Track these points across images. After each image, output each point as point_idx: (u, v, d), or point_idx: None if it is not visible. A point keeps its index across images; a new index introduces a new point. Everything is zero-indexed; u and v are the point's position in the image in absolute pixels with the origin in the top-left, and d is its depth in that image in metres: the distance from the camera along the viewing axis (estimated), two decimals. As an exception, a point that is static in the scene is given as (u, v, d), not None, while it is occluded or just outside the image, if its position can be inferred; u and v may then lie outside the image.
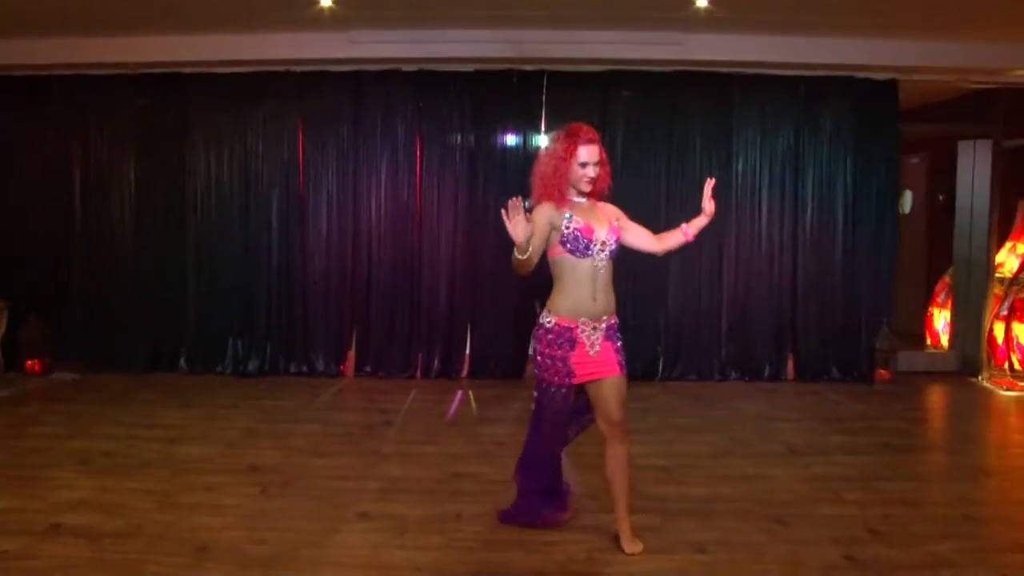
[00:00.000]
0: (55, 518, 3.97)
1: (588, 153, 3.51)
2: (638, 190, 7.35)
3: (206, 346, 7.60)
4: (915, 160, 9.91)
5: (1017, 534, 3.98)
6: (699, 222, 3.79)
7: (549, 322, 3.61)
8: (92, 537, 3.75)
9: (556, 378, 3.58)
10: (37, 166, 7.61)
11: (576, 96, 7.39)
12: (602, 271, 3.55)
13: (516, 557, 3.59)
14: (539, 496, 3.89)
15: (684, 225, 3.80)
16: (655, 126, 7.41)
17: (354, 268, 7.51)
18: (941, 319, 8.52)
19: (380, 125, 7.40)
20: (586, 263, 3.53)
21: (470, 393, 6.93)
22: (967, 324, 8.08)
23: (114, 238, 7.60)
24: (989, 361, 7.62)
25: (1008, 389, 7.20)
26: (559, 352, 3.56)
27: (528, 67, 7.34)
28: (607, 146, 7.20)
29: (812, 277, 7.52)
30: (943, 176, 9.13)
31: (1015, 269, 7.59)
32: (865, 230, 7.50)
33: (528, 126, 7.43)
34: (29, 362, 7.36)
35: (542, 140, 7.42)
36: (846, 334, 7.54)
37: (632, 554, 3.60)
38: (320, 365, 7.56)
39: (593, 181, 3.54)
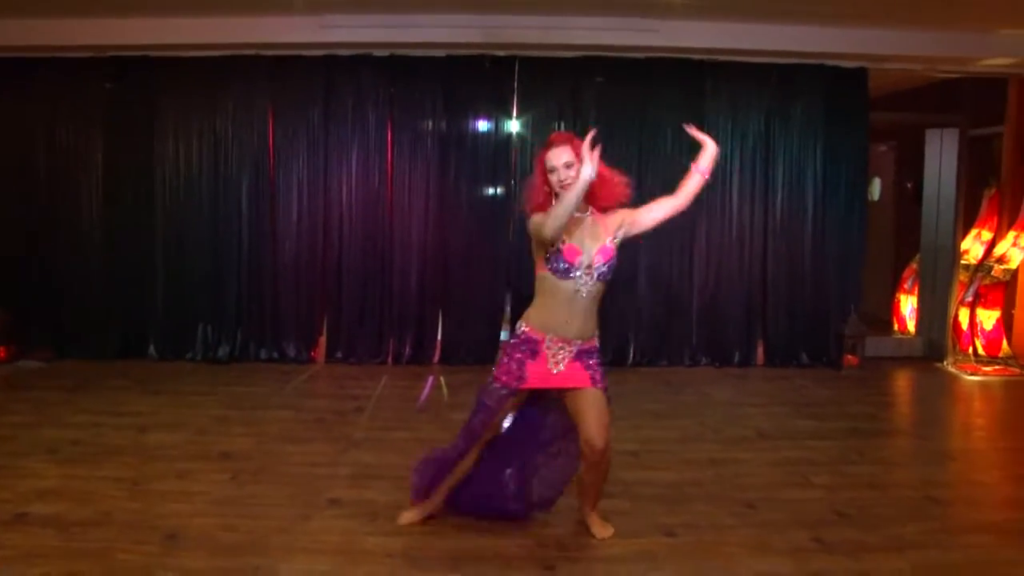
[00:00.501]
0: (22, 507, 3.92)
1: (554, 156, 3.40)
2: (610, 177, 7.38)
3: (176, 332, 7.53)
4: (884, 148, 10.01)
5: (979, 515, 4.06)
6: (707, 155, 3.62)
7: (520, 330, 3.54)
8: (60, 526, 3.71)
9: (504, 377, 3.50)
10: (2, 150, 7.48)
11: (548, 82, 7.39)
12: (583, 296, 3.42)
13: (488, 543, 3.60)
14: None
15: (693, 165, 3.62)
16: (627, 113, 7.42)
17: (325, 254, 7.48)
18: (908, 305, 8.64)
19: (351, 110, 7.36)
20: (567, 285, 3.41)
21: (441, 379, 6.93)
22: (933, 310, 8.21)
23: (81, 223, 7.49)
24: (954, 346, 7.73)
25: (972, 374, 7.32)
26: (518, 355, 3.49)
27: (500, 53, 7.31)
28: (579, 131, 7.25)
29: (782, 264, 7.59)
30: (911, 164, 9.25)
31: (980, 256, 7.70)
32: (834, 217, 7.58)
33: (500, 112, 7.42)
34: (-6, 349, 7.26)
35: (513, 126, 7.42)
36: (815, 320, 7.63)
37: (603, 539, 3.62)
38: (291, 351, 7.53)
39: (566, 184, 3.34)
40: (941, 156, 8.26)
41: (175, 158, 7.45)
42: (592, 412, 3.44)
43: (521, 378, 3.47)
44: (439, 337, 7.60)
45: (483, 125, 7.48)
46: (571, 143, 3.43)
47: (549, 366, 3.46)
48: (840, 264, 7.61)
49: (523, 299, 7.45)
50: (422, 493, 3.80)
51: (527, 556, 3.50)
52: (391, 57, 7.32)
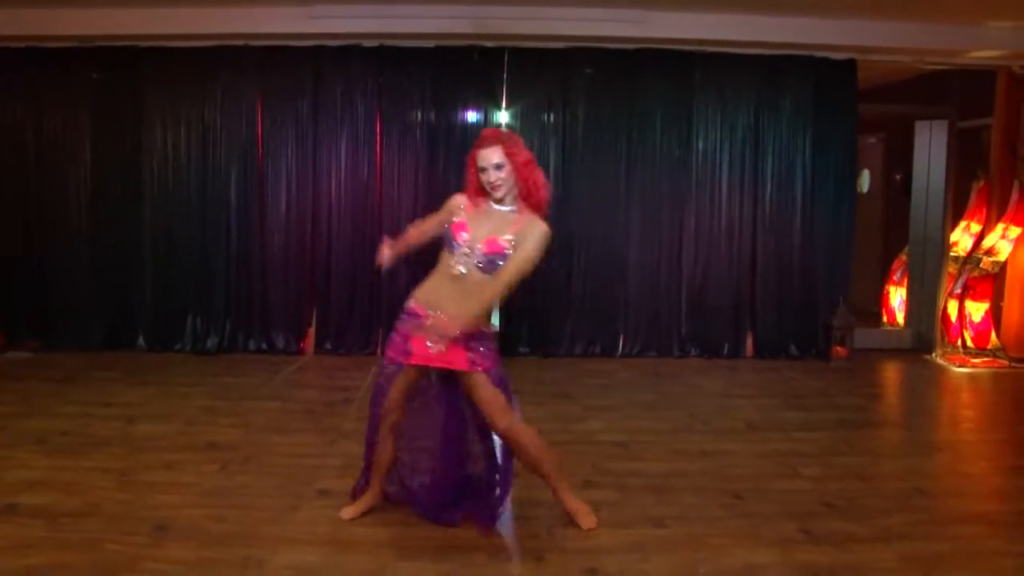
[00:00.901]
0: (11, 498, 3.92)
1: (482, 157, 3.42)
2: (599, 168, 7.41)
3: (164, 323, 7.50)
4: (873, 140, 10.05)
5: (967, 506, 4.09)
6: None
7: (408, 305, 3.59)
8: (49, 517, 3.71)
9: (392, 352, 3.57)
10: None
11: (537, 73, 7.37)
12: (463, 275, 3.44)
13: (477, 533, 3.62)
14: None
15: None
16: (616, 104, 7.42)
17: (314, 245, 7.46)
18: (897, 297, 8.68)
19: (340, 101, 7.33)
20: (451, 261, 3.46)
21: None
22: (922, 302, 8.25)
23: (69, 213, 7.44)
24: (943, 338, 7.77)
25: (961, 366, 7.35)
26: (405, 331, 3.54)
27: (489, 44, 7.29)
28: (568, 122, 7.36)
29: (771, 255, 7.61)
30: (900, 156, 9.28)
31: (969, 248, 7.73)
32: (823, 209, 7.59)
33: (489, 103, 7.40)
34: (-19, 340, 7.23)
35: (502, 117, 7.41)
36: (804, 312, 7.65)
37: (590, 529, 3.63)
38: (280, 342, 7.51)
39: (497, 186, 3.41)
40: (930, 148, 8.28)
41: (163, 148, 7.40)
42: (478, 395, 3.49)
43: (407, 352, 3.52)
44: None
45: (472, 116, 7.45)
46: (502, 143, 3.43)
47: (428, 345, 3.48)
48: (829, 256, 7.63)
49: (515, 290, 7.50)
50: (361, 486, 3.84)
51: (516, 546, 3.51)
52: (380, 48, 7.29)
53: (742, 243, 7.60)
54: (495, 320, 7.41)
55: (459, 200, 3.58)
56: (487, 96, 7.39)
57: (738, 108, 7.49)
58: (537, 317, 7.56)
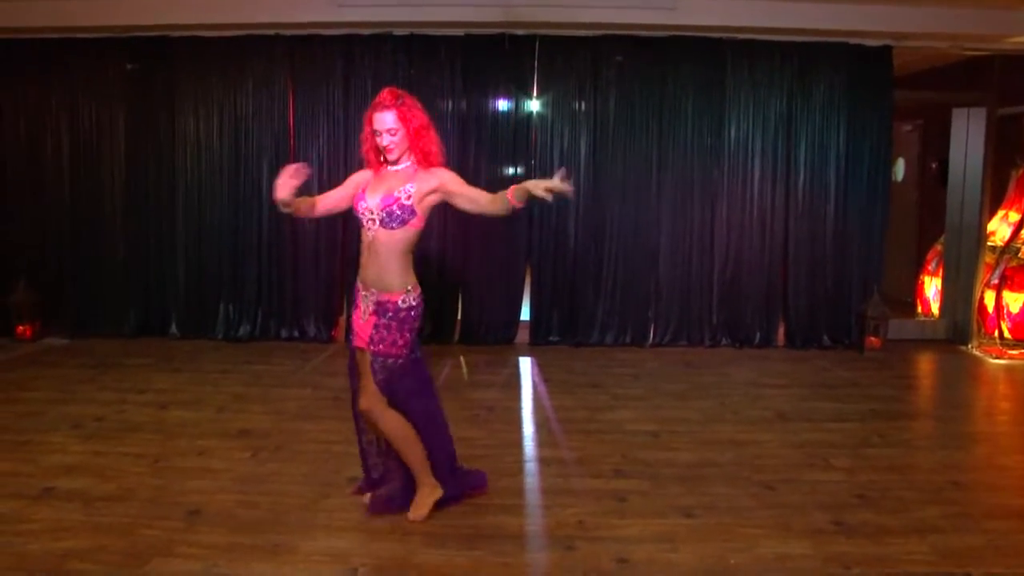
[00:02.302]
0: (48, 482, 3.99)
1: (376, 120, 3.46)
2: (629, 156, 7.37)
3: (197, 311, 7.58)
4: (908, 128, 9.89)
5: (1002, 500, 4.03)
6: (527, 191, 3.43)
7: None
8: (85, 500, 3.78)
9: (351, 335, 3.66)
10: (25, 131, 7.53)
11: (568, 61, 7.34)
12: (373, 240, 3.48)
13: (507, 521, 3.63)
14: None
15: (512, 189, 3.47)
16: (647, 92, 7.36)
17: (345, 234, 7.48)
18: (932, 287, 8.55)
19: (371, 90, 7.32)
20: (363, 232, 3.52)
21: (461, 358, 6.96)
22: (958, 292, 8.12)
23: (104, 203, 7.54)
24: (979, 329, 7.65)
25: (997, 357, 7.24)
26: (351, 312, 3.67)
27: (520, 32, 7.26)
28: (599, 110, 7.32)
29: (803, 244, 7.53)
30: (936, 144, 9.13)
31: (1007, 237, 7.61)
32: (857, 197, 7.50)
33: (520, 91, 7.38)
34: (20, 327, 7.32)
35: (533, 105, 7.39)
36: (837, 301, 7.58)
37: (413, 520, 3.59)
38: (311, 330, 7.56)
39: (390, 149, 3.46)
40: (967, 135, 8.13)
41: (196, 138, 7.47)
42: (362, 375, 3.54)
43: (353, 333, 3.62)
44: (459, 316, 7.61)
45: (503, 104, 7.44)
46: (396, 107, 3.46)
47: (360, 313, 3.56)
48: (862, 245, 7.54)
49: (545, 278, 7.50)
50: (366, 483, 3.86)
51: (546, 535, 3.52)
52: (411, 36, 7.29)
53: (774, 232, 7.53)
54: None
55: (360, 177, 3.65)
56: (517, 84, 7.37)
57: (770, 96, 7.40)
58: (567, 305, 7.55)
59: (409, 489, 3.69)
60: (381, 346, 3.46)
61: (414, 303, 3.54)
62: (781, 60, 7.37)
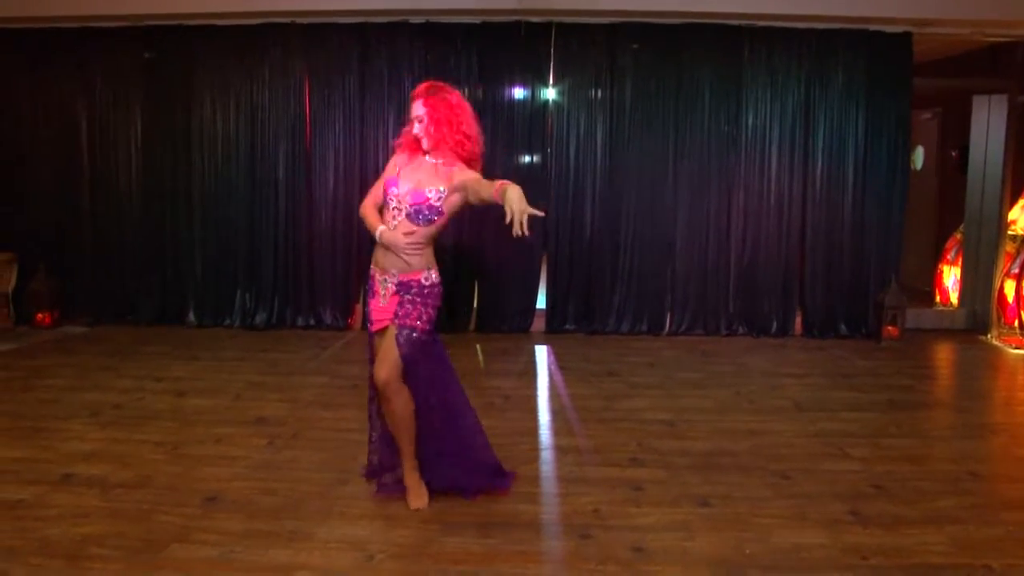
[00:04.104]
0: (68, 468, 4.03)
1: (412, 109, 3.54)
2: (646, 144, 7.35)
3: (214, 299, 7.63)
4: (927, 115, 9.80)
5: (1021, 491, 3.99)
6: (510, 195, 3.09)
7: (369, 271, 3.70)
8: (104, 487, 3.81)
9: (368, 323, 3.68)
10: (44, 120, 7.60)
11: (584, 49, 7.31)
12: (398, 230, 3.51)
13: (523, 509, 3.63)
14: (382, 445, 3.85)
15: (499, 187, 3.20)
16: (664, 79, 7.33)
17: (361, 221, 7.48)
18: (951, 276, 8.49)
19: (387, 78, 7.34)
20: (388, 217, 3.56)
21: (477, 347, 6.97)
22: (977, 281, 8.05)
23: (121, 191, 7.60)
24: (998, 319, 7.59)
25: (1017, 347, 7.19)
26: (367, 299, 3.69)
27: (535, 19, 7.24)
28: (615, 98, 7.29)
29: (821, 232, 7.49)
30: (956, 132, 9.04)
31: (1027, 227, 7.55)
32: (875, 186, 7.45)
33: (536, 79, 7.36)
34: (39, 315, 7.40)
35: (549, 93, 7.37)
36: (854, 290, 7.54)
37: (416, 509, 3.59)
38: (327, 318, 7.59)
39: (419, 138, 3.52)
40: (988, 123, 8.05)
41: (212, 127, 7.50)
42: (383, 345, 3.56)
43: (370, 320, 3.65)
44: (475, 305, 7.61)
45: (519, 92, 7.42)
46: (425, 97, 3.52)
47: (380, 300, 3.59)
48: (880, 234, 7.49)
49: (561, 266, 7.49)
50: (374, 463, 3.87)
51: (562, 523, 3.52)
52: (426, 24, 7.27)
53: (791, 220, 7.49)
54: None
55: (395, 160, 3.66)
56: (534, 72, 7.35)
57: (788, 83, 7.35)
58: (583, 294, 7.54)
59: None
60: (407, 319, 3.51)
61: (436, 280, 3.61)
62: (799, 47, 7.32)
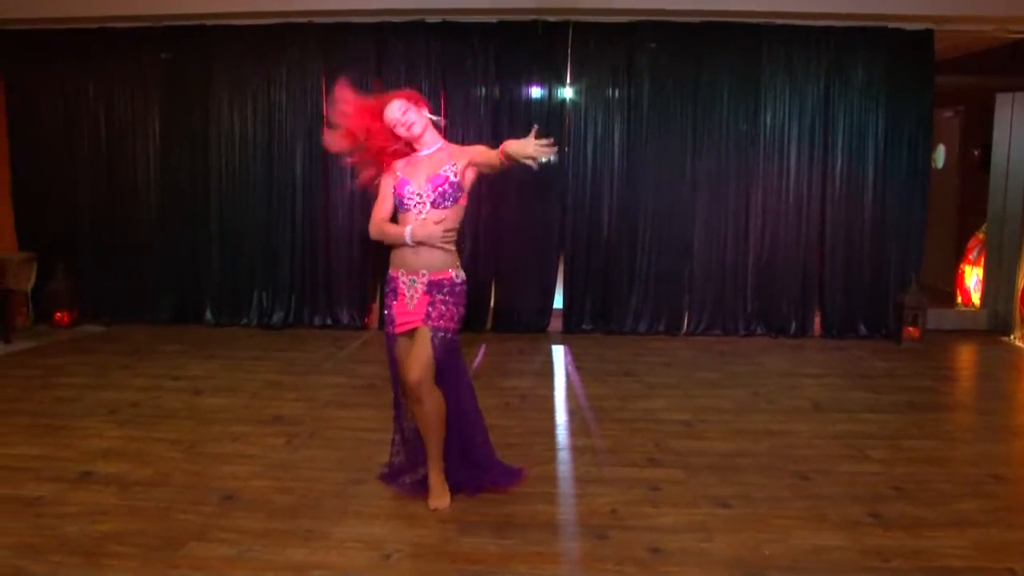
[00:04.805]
0: (86, 466, 4.06)
1: (388, 113, 3.57)
2: (664, 143, 7.33)
3: (231, 298, 7.67)
4: (949, 113, 9.73)
5: (1044, 493, 3.97)
6: (515, 154, 3.40)
7: (388, 274, 3.69)
8: (122, 485, 3.83)
9: (387, 325, 3.65)
10: (63, 119, 7.66)
11: (602, 48, 7.30)
12: (427, 219, 3.52)
13: (540, 509, 3.62)
14: (403, 447, 3.86)
15: (503, 147, 3.45)
16: (682, 78, 7.31)
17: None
18: (973, 277, 8.42)
19: (404, 77, 7.33)
20: (408, 217, 3.55)
21: (494, 346, 6.96)
22: (1000, 282, 7.98)
23: (140, 191, 7.65)
24: (1021, 320, 7.52)
25: (1039, 348, 7.13)
26: (387, 301, 3.66)
27: (552, 18, 7.23)
28: (632, 98, 7.28)
29: (840, 232, 7.45)
30: (978, 130, 8.97)
31: (1050, 226, 7.47)
32: (896, 185, 7.39)
33: (553, 78, 7.35)
34: (58, 314, 7.47)
35: (567, 92, 7.36)
36: (874, 290, 7.49)
37: (435, 509, 3.58)
38: (344, 318, 7.62)
39: (409, 124, 3.55)
40: (1012, 121, 7.98)
41: (230, 126, 7.54)
42: (414, 349, 3.51)
43: (392, 322, 3.62)
44: (491, 305, 7.61)
45: (536, 91, 7.42)
46: (396, 96, 3.62)
47: (406, 301, 3.57)
48: (901, 233, 7.44)
49: (578, 266, 7.48)
50: (395, 464, 3.89)
51: (579, 523, 3.51)
52: (443, 23, 7.28)
53: (810, 219, 7.45)
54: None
55: (390, 176, 3.65)
56: (551, 71, 7.34)
57: (807, 82, 7.31)
58: (600, 293, 7.53)
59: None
60: (441, 321, 3.51)
61: (464, 278, 3.63)
62: (818, 45, 7.28)
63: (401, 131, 3.55)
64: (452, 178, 3.51)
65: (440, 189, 3.50)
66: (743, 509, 3.65)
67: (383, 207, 3.66)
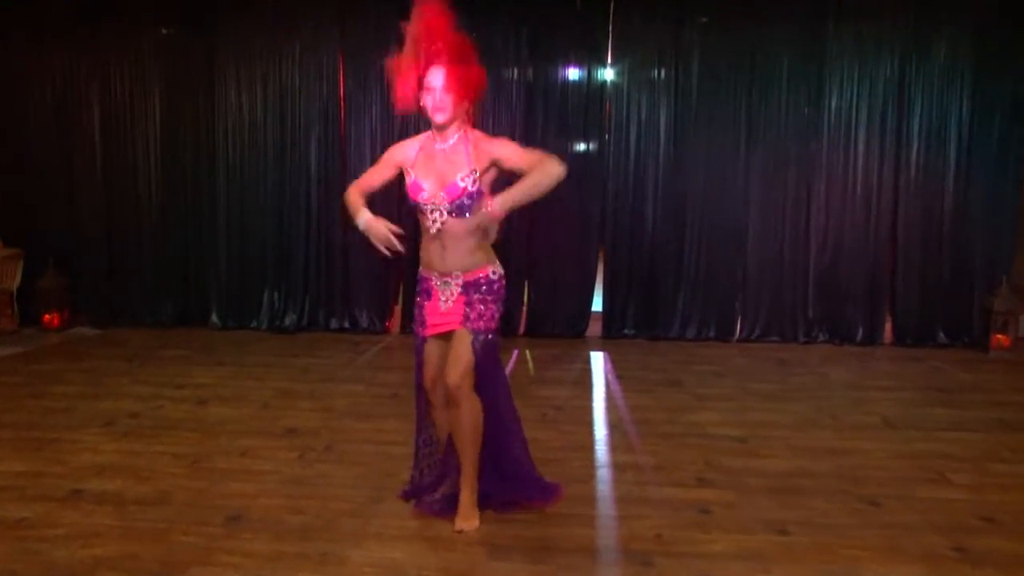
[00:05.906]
0: (77, 483, 4.08)
1: (432, 77, 3.48)
2: (715, 129, 7.28)
3: (239, 299, 7.73)
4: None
5: None
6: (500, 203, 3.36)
7: (419, 273, 3.70)
8: (117, 504, 3.85)
9: (417, 326, 3.69)
10: (51, 104, 7.73)
11: (646, 24, 7.29)
12: (443, 229, 3.50)
13: (577, 533, 3.59)
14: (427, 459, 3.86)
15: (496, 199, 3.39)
16: (736, 56, 7.27)
17: (401, 216, 7.51)
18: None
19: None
20: (428, 223, 3.54)
21: (527, 352, 6.95)
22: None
23: (138, 183, 7.71)
24: None
25: None
26: (419, 300, 3.67)
27: (592, -8, 7.24)
28: (680, 79, 7.24)
29: (916, 227, 7.36)
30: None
31: None
32: (982, 173, 7.29)
33: (592, 59, 7.34)
34: (47, 315, 7.53)
35: (608, 74, 7.33)
36: (955, 293, 7.38)
37: (460, 531, 3.55)
38: (363, 321, 7.64)
39: (432, 110, 3.46)
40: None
41: (238, 111, 7.59)
42: (452, 353, 3.53)
43: (423, 323, 3.65)
44: (525, 306, 7.60)
45: (573, 73, 7.41)
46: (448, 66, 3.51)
47: (440, 303, 3.60)
48: (988, 228, 7.33)
49: (620, 265, 7.44)
50: (416, 480, 3.89)
51: (621, 549, 3.47)
52: (472, -3, 7.30)
53: (881, 213, 7.36)
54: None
55: (399, 154, 3.66)
56: (590, 50, 7.33)
57: (880, 58, 7.23)
58: (644, 295, 7.50)
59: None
60: (480, 322, 3.53)
61: (502, 273, 3.63)
62: (894, 16, 7.19)
63: (427, 101, 3.48)
64: (470, 188, 3.46)
65: (458, 202, 3.46)
66: (804, 537, 3.60)
67: (371, 177, 3.70)
